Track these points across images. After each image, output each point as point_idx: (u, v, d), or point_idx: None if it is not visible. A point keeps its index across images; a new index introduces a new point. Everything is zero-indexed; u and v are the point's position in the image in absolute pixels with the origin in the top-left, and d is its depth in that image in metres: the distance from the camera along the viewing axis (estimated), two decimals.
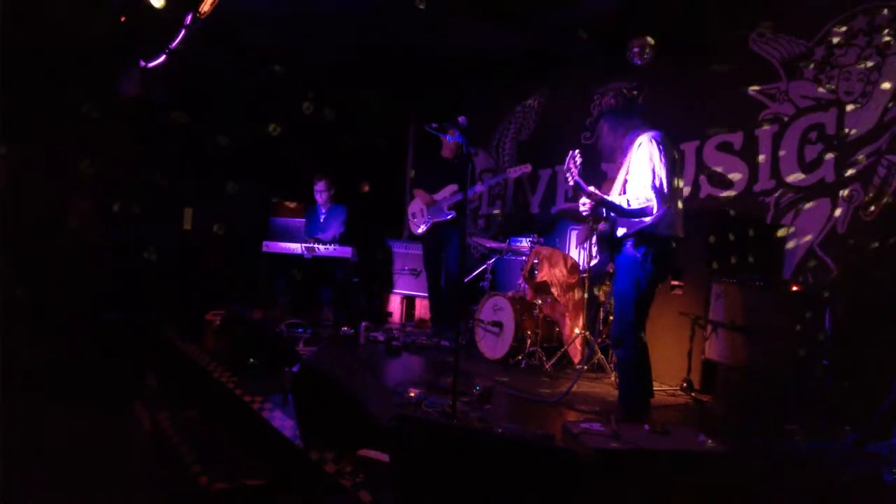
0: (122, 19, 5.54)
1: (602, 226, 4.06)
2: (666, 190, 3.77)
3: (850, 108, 4.94)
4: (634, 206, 3.78)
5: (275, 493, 3.33)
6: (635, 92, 4.10)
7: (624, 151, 4.01)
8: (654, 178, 3.76)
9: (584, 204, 4.06)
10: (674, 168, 3.85)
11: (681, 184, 4.01)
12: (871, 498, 3.29)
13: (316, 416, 3.32)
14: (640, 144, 3.86)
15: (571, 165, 3.93)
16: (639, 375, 3.93)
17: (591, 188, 3.94)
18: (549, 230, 7.19)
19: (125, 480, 3.93)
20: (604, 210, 4.07)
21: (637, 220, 3.84)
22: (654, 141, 3.81)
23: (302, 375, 3.44)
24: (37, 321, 5.85)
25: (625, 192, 3.93)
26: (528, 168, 6.51)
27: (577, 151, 3.98)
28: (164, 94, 6.32)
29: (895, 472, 3.37)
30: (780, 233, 5.26)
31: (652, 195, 3.74)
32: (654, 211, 3.75)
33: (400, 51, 7.15)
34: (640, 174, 3.82)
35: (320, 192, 7.29)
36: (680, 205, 3.94)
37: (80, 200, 6.87)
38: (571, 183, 3.94)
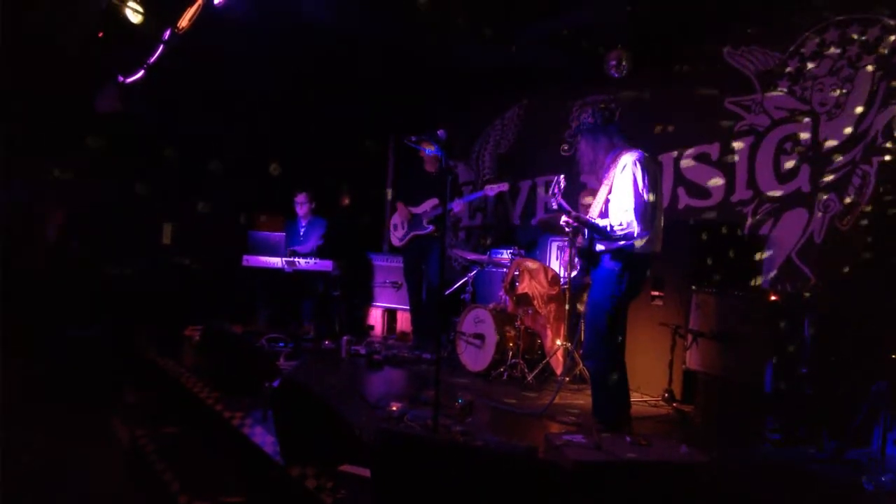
0: (100, 35, 5.51)
1: (580, 240, 4.10)
2: (648, 213, 3.81)
3: (824, 119, 5.01)
4: (617, 230, 3.83)
5: None
6: (613, 106, 4.17)
7: (606, 169, 4.04)
8: (637, 203, 3.80)
9: (567, 220, 4.10)
10: (656, 189, 3.90)
11: (661, 202, 4.06)
12: None
13: (297, 432, 3.30)
14: (624, 167, 3.89)
15: (556, 190, 4.01)
16: (612, 387, 3.94)
17: (575, 213, 3.99)
18: (530, 242, 7.21)
19: (103, 499, 3.87)
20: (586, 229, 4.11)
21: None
22: (638, 164, 3.84)
23: (282, 390, 3.41)
24: (13, 336, 5.76)
25: (606, 212, 3.98)
26: (505, 186, 6.53)
27: (561, 176, 4.07)
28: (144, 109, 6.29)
29: (874, 479, 3.41)
30: (758, 243, 5.31)
31: (634, 220, 3.79)
32: (635, 235, 3.80)
33: (380, 65, 7.16)
34: (623, 198, 3.86)
35: (300, 205, 7.28)
36: (661, 223, 3.98)
37: (57, 214, 6.81)
38: (555, 206, 4.01)
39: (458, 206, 6.88)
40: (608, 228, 3.86)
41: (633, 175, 3.83)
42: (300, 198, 7.26)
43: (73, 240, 6.89)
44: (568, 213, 3.98)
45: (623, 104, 6.49)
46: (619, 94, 6.57)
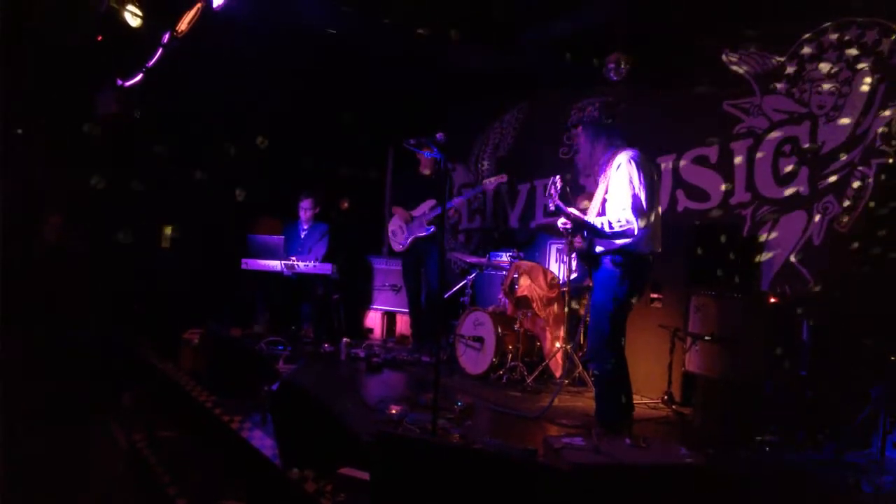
0: (99, 38, 5.51)
1: (578, 242, 4.09)
2: (645, 210, 3.80)
3: (822, 121, 5.02)
4: (616, 228, 3.81)
5: None
6: (617, 103, 4.18)
7: (601, 169, 4.03)
8: (633, 199, 3.79)
9: (564, 223, 4.10)
10: (653, 187, 3.89)
11: (658, 201, 4.05)
12: None
13: (296, 435, 3.29)
14: (619, 165, 3.88)
15: (553, 191, 3.99)
16: (616, 390, 3.94)
17: (572, 210, 3.97)
18: (529, 244, 7.21)
19: (100, 502, 3.87)
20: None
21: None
22: (632, 162, 3.84)
23: (281, 394, 3.41)
24: (11, 338, 5.76)
25: (603, 212, 3.96)
26: (504, 178, 6.53)
27: (557, 177, 4.04)
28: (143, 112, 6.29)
29: (873, 481, 3.40)
30: (757, 245, 5.31)
31: (632, 217, 3.78)
32: (635, 232, 3.78)
33: (379, 69, 7.17)
34: (619, 196, 3.85)
35: (305, 210, 7.26)
36: (659, 224, 3.97)
37: (55, 216, 6.81)
38: (552, 208, 3.99)
39: (456, 202, 6.89)
40: (607, 227, 3.83)
41: (629, 173, 3.82)
42: (305, 203, 7.25)
43: (71, 242, 6.89)
44: (566, 215, 3.97)
45: (622, 107, 6.50)
46: (618, 96, 6.58)
